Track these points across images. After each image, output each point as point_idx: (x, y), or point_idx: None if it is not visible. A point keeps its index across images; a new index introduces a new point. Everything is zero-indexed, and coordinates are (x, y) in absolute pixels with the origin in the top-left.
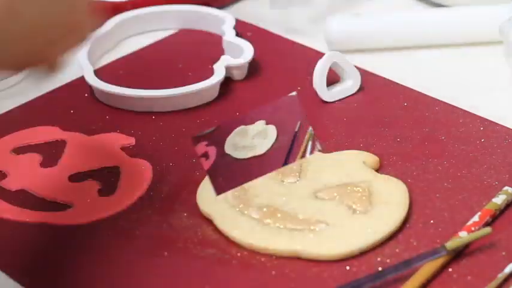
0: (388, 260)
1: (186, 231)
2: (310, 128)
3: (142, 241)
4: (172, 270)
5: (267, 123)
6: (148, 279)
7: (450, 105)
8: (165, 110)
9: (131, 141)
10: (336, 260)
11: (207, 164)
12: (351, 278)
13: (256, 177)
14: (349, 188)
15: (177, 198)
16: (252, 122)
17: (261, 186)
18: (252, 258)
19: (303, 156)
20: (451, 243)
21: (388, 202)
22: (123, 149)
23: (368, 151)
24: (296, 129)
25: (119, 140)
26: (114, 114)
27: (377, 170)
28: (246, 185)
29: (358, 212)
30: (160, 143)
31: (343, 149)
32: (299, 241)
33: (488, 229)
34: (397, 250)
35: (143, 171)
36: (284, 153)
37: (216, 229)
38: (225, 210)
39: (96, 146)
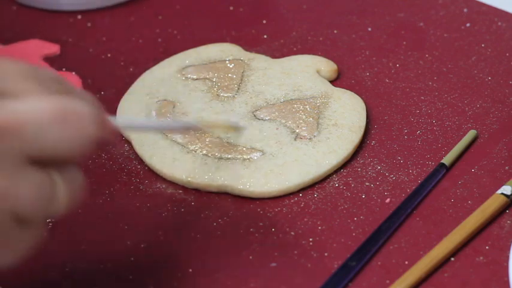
0: (331, 198)
1: (130, 161)
2: None
3: None
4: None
5: None
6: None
7: None
8: (93, 7)
9: (55, 49)
10: (270, 198)
11: None
12: (288, 218)
13: None
14: (295, 105)
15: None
16: None
17: (191, 102)
18: (174, 191)
19: None
20: (447, 158)
21: (339, 125)
22: (46, 59)
23: (327, 52)
24: None
25: (40, 48)
26: (32, 16)
27: (335, 79)
28: (174, 100)
29: (301, 137)
30: (90, 49)
31: (297, 53)
32: (227, 174)
33: (473, 131)
34: (342, 187)
35: None
36: None
37: None
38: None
39: (14, 57)
